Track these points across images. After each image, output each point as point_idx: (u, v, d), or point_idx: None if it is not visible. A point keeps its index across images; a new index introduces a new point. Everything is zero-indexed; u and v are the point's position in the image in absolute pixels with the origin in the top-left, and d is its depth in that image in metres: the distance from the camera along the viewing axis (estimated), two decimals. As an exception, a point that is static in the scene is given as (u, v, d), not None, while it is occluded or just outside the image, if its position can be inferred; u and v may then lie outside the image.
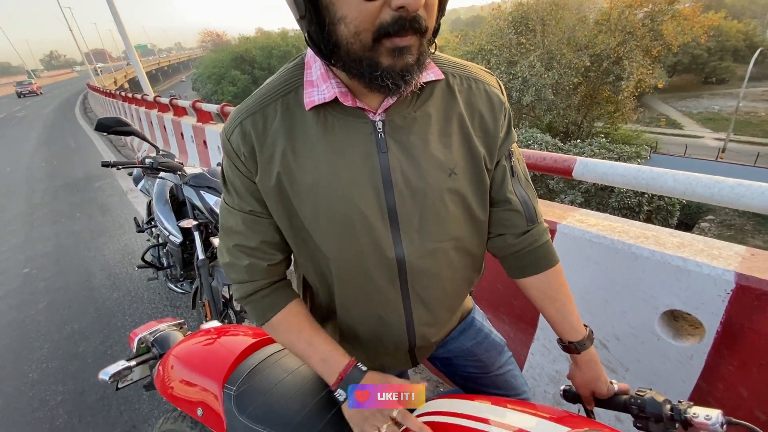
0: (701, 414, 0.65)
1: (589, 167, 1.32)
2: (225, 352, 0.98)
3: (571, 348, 0.80)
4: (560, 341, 0.83)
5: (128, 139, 9.21)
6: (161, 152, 2.34)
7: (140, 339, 1.20)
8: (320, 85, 0.63)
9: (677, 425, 0.70)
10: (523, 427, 0.65)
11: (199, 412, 0.90)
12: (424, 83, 0.66)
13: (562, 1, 17.23)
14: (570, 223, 1.42)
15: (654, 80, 17.09)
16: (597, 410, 0.84)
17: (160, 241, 2.61)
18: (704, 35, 17.72)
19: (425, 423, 0.72)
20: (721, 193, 1.06)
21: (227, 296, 2.11)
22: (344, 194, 0.65)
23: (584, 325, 0.81)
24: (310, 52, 0.65)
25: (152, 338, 1.21)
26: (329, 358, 0.73)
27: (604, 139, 13.97)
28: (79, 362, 2.45)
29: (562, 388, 0.89)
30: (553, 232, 1.44)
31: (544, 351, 1.60)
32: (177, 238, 2.17)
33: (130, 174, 2.94)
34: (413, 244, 0.69)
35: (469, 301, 0.98)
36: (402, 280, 0.72)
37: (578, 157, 1.35)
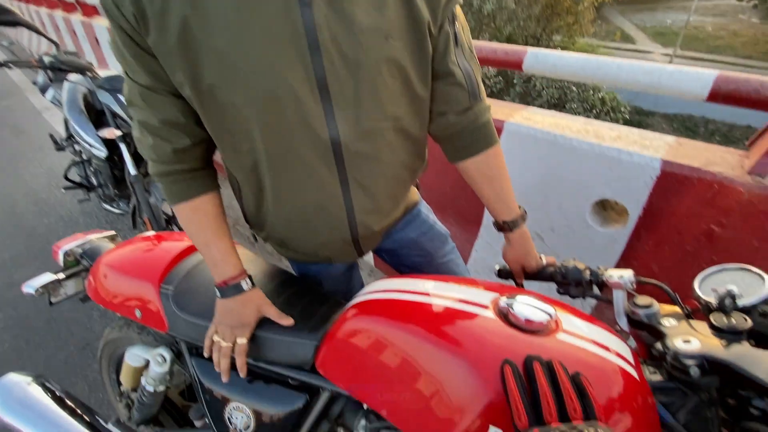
0: (615, 275, 0.71)
1: (540, 59, 1.28)
2: (159, 255, 0.93)
3: (504, 227, 0.83)
4: (495, 223, 0.85)
5: (25, 42, 7.78)
6: (65, 50, 1.98)
7: (66, 252, 1.11)
8: None
9: (594, 287, 0.77)
10: (459, 296, 0.68)
11: (138, 313, 0.88)
12: None
13: None
14: (517, 120, 1.41)
15: (614, -11, 16.53)
16: (526, 283, 0.91)
17: (84, 157, 2.34)
18: (668, -62, 16.92)
19: (369, 300, 0.75)
20: (661, 80, 1.07)
21: (169, 213, 1.99)
22: (263, 60, 0.56)
23: (518, 206, 0.83)
24: None
25: (81, 251, 1.12)
26: (219, 265, 0.74)
27: (560, 53, 13.80)
28: (17, 289, 2.31)
29: (496, 267, 0.95)
30: (500, 130, 1.43)
31: (487, 247, 1.70)
32: (101, 151, 1.95)
33: (35, 83, 2.51)
34: (348, 123, 0.63)
35: (415, 194, 0.97)
36: (339, 164, 0.67)
37: (529, 48, 1.30)
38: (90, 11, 5.16)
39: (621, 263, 1.32)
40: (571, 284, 0.77)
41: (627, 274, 0.70)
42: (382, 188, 0.74)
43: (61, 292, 1.13)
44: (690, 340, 0.56)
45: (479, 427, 0.54)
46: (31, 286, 1.02)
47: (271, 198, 0.72)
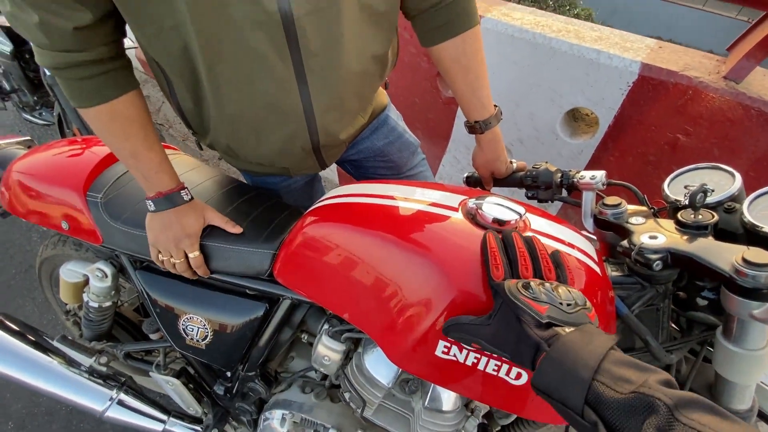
0: (587, 175, 0.68)
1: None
2: (82, 160, 0.80)
3: (476, 127, 0.76)
4: (467, 123, 0.78)
5: None
6: None
7: (-31, 159, 0.94)
8: None
9: (563, 190, 0.75)
10: (425, 199, 0.63)
11: (65, 225, 0.77)
12: None
13: None
14: (494, 16, 1.27)
15: None
16: (495, 189, 0.88)
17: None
18: None
19: (329, 205, 0.68)
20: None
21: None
22: None
23: (494, 105, 0.76)
24: None
25: (-12, 158, 0.95)
26: (151, 178, 0.64)
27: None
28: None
29: (465, 175, 0.90)
30: (475, 28, 1.29)
31: (454, 162, 1.65)
32: (5, 45, 1.62)
33: None
34: None
35: (383, 96, 0.86)
36: (292, 48, 0.54)
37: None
38: None
39: (585, 175, 1.33)
40: (541, 187, 0.75)
41: (599, 175, 0.67)
42: (346, 82, 0.63)
43: (-25, 207, 0.99)
44: (657, 236, 0.55)
45: (434, 334, 0.53)
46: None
47: (210, 93, 0.59)
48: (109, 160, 0.80)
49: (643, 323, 0.57)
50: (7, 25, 1.52)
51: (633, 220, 0.61)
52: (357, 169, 0.93)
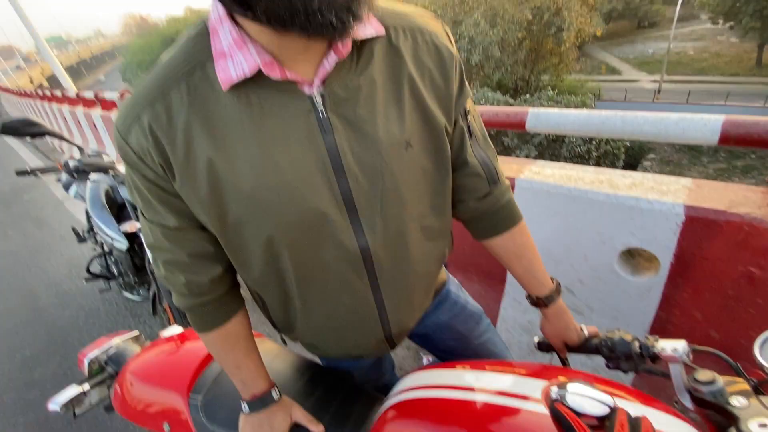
0: (668, 347, 0.67)
1: (541, 118, 1.31)
2: (185, 360, 0.91)
3: (539, 302, 0.80)
4: (529, 297, 0.83)
5: (56, 141, 8.37)
6: (89, 152, 2.11)
7: (91, 360, 1.09)
8: (235, 55, 0.49)
9: (646, 359, 0.72)
10: (504, 388, 0.64)
11: (166, 427, 0.84)
12: (363, 41, 0.55)
13: (499, -45, 17.04)
14: (527, 176, 1.42)
15: (592, 29, 17.57)
16: (571, 356, 0.86)
17: (105, 249, 2.40)
18: (634, -20, 18.28)
19: (405, 401, 0.70)
20: (667, 130, 1.08)
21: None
22: (292, 194, 0.56)
23: (551, 278, 0.81)
24: (214, 13, 0.51)
25: (105, 357, 1.11)
26: (248, 383, 0.72)
27: (551, 92, 14.36)
28: (37, 390, 2.27)
29: (536, 340, 0.90)
30: (512, 187, 1.44)
31: (515, 304, 1.64)
32: (122, 243, 2.00)
33: (59, 180, 2.66)
34: (376, 231, 0.62)
35: (443, 274, 0.95)
36: (369, 271, 0.65)
37: (529, 109, 1.34)
38: (109, 105, 5.59)
39: (662, 312, 1.26)
40: (621, 358, 0.73)
41: (681, 346, 0.65)
42: (413, 284, 0.72)
43: (86, 402, 1.10)
44: (766, 423, 0.50)
45: None
46: (57, 402, 0.99)
47: (299, 307, 0.70)
48: (208, 359, 0.90)
49: None
50: (127, 230, 1.90)
51: (734, 401, 0.57)
52: (425, 341, 0.96)
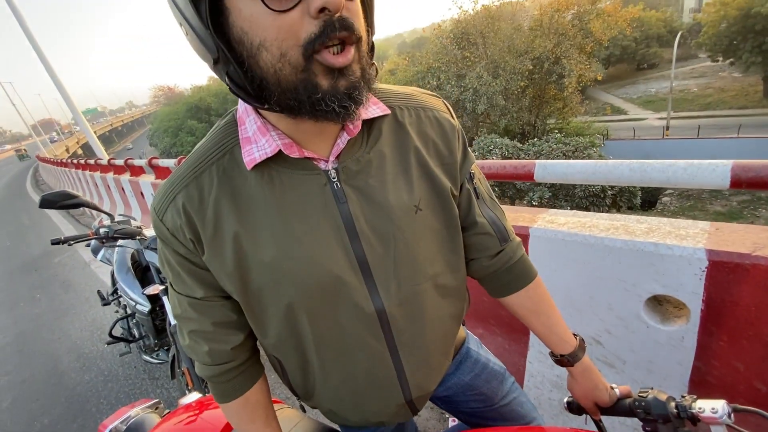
0: (707, 407, 0.63)
1: (549, 169, 1.35)
2: (207, 430, 0.89)
3: (563, 361, 0.78)
4: (552, 354, 0.80)
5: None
6: (118, 218, 2.22)
7: (111, 431, 1.08)
8: (258, 140, 0.56)
9: (686, 422, 0.68)
10: (534, 457, 0.61)
11: (186, 504, 0.81)
12: (372, 120, 0.62)
13: (496, 13, 18.27)
14: (541, 225, 1.42)
15: (593, 73, 18.19)
16: (606, 418, 0.81)
17: (128, 312, 2.45)
18: (628, 27, 19.19)
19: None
20: (676, 176, 1.09)
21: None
22: (311, 261, 0.59)
23: (574, 335, 0.79)
24: (241, 106, 0.59)
25: (125, 427, 1.09)
26: None
27: (558, 134, 14.59)
28: (53, 462, 2.22)
29: (565, 400, 0.86)
30: (526, 237, 1.44)
31: (541, 357, 1.57)
32: (144, 306, 2.04)
33: (88, 245, 2.78)
34: (390, 292, 0.64)
35: (461, 332, 0.94)
36: (386, 331, 0.66)
37: (536, 162, 1.38)
38: (137, 171, 5.94)
39: (699, 363, 1.19)
40: (658, 420, 0.68)
41: (720, 406, 0.62)
42: (431, 344, 0.72)
43: (106, 477, 1.07)
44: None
45: None
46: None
47: (318, 371, 0.70)
48: (229, 428, 0.89)
49: None
50: (150, 293, 1.94)
51: (791, 470, 0.53)
52: (448, 404, 0.93)
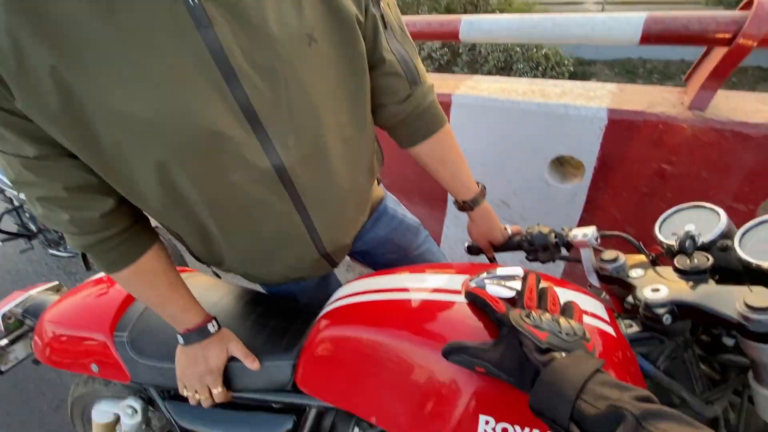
0: (579, 233, 0.71)
1: (474, 25, 1.25)
2: (106, 301, 0.85)
3: (465, 206, 0.81)
4: (456, 202, 0.83)
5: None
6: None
7: (5, 314, 1.00)
8: None
9: (561, 249, 0.77)
10: (431, 285, 0.66)
11: (95, 368, 0.81)
12: None
13: None
14: (463, 91, 1.38)
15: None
16: (498, 255, 0.90)
17: (16, 203, 2.15)
18: None
19: (337, 308, 0.71)
20: (594, 30, 1.06)
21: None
22: (171, 105, 0.47)
23: (476, 183, 0.81)
24: None
25: (21, 309, 1.02)
26: (179, 317, 0.68)
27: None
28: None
29: (466, 245, 0.93)
30: (448, 104, 1.41)
31: (457, 222, 1.70)
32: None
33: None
34: (288, 146, 0.55)
35: (379, 190, 0.93)
36: (289, 190, 0.60)
37: (462, 16, 1.26)
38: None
39: (585, 215, 1.35)
40: (539, 250, 0.77)
41: (590, 231, 0.69)
42: (343, 201, 0.68)
43: (11, 358, 1.03)
44: (658, 288, 0.56)
45: (470, 418, 0.53)
46: (-26, 361, 0.92)
47: (220, 237, 0.64)
48: (131, 297, 0.85)
49: (674, 378, 0.56)
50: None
51: (633, 273, 0.62)
52: (366, 258, 0.97)
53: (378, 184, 0.93)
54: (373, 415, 0.62)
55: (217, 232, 0.63)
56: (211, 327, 0.70)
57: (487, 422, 0.52)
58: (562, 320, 0.48)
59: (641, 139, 1.13)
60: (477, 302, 0.55)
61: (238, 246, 0.67)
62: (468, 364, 0.50)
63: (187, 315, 0.68)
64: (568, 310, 0.52)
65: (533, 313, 0.48)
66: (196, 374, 0.67)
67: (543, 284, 0.56)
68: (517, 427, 0.50)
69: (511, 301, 0.55)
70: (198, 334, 0.68)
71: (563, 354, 0.43)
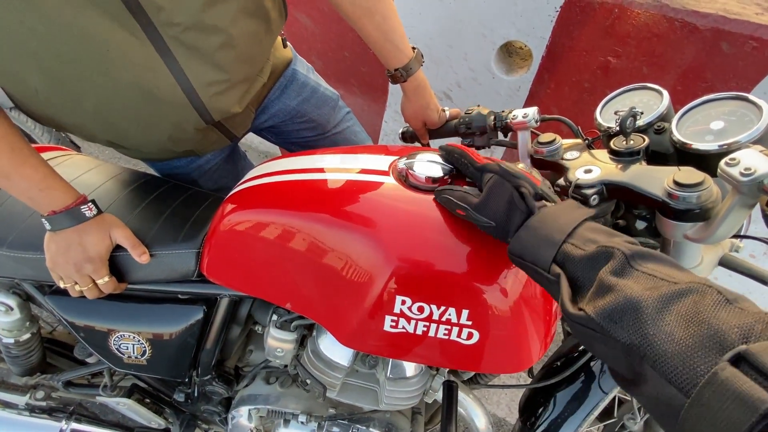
0: (519, 114, 0.65)
1: None
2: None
3: (397, 76, 0.70)
4: (388, 73, 0.71)
5: None
6: None
7: None
8: None
9: (499, 133, 0.72)
10: (355, 166, 0.57)
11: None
12: None
13: None
14: (411, -50, 1.15)
15: None
16: (433, 142, 0.83)
17: None
18: None
19: (251, 188, 0.61)
20: None
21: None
22: None
23: (412, 47, 0.69)
24: None
25: None
26: (37, 197, 0.54)
27: None
28: None
29: (399, 131, 0.84)
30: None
31: (396, 116, 1.58)
32: None
33: None
34: None
35: (285, 52, 0.77)
36: (142, 22, 0.46)
37: None
38: None
39: (525, 111, 1.31)
40: (476, 133, 0.70)
41: (531, 112, 0.64)
42: (222, 48, 0.54)
43: None
44: (591, 169, 0.53)
45: (387, 300, 0.50)
46: None
47: (58, 96, 0.50)
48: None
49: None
50: None
51: (568, 155, 0.59)
52: (278, 136, 0.84)
53: (284, 45, 0.77)
54: (287, 300, 0.58)
55: (52, 88, 0.51)
56: (86, 210, 0.57)
57: (403, 302, 0.49)
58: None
59: (594, 25, 1.05)
60: (454, 154, 0.51)
61: (86, 105, 0.54)
62: (451, 206, 0.48)
63: (48, 194, 0.55)
64: None
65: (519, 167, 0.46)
66: (71, 262, 0.56)
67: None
68: (434, 306, 0.48)
69: (444, 182, 0.50)
70: (68, 217, 0.56)
71: (551, 204, 0.43)
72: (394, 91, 1.54)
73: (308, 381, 0.66)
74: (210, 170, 0.77)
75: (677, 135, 0.51)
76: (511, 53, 1.30)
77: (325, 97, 0.80)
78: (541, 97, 1.25)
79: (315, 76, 0.81)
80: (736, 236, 0.54)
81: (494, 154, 1.38)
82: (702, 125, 0.52)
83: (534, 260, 0.38)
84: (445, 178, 0.52)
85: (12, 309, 0.70)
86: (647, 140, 0.53)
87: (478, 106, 0.71)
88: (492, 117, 0.68)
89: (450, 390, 0.65)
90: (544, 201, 0.43)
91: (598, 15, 1.03)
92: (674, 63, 1.03)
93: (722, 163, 0.39)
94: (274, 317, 0.67)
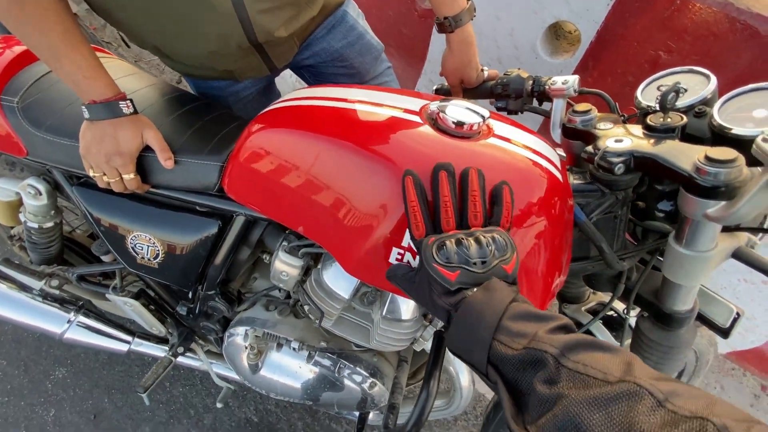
0: (559, 80, 0.64)
1: None
2: (-8, 58, 0.69)
3: (445, 25, 0.69)
4: (437, 21, 0.70)
5: None
6: None
7: None
8: None
9: (534, 100, 0.71)
10: (384, 101, 0.58)
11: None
12: None
13: None
14: None
15: None
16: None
17: None
18: None
19: (281, 109, 0.62)
20: None
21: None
22: None
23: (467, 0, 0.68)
24: None
25: None
26: (82, 84, 0.56)
27: None
28: None
29: (434, 87, 0.84)
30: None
31: (430, 85, 1.56)
32: None
33: None
34: None
35: None
36: None
37: None
38: None
39: (562, 98, 1.28)
40: (511, 96, 0.70)
41: (572, 80, 0.63)
42: None
43: None
44: (622, 140, 0.52)
45: (397, 232, 0.51)
46: None
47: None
48: (26, 58, 0.69)
49: (599, 231, 0.57)
50: None
51: (601, 125, 0.58)
52: (315, 77, 0.84)
53: None
54: (300, 224, 0.59)
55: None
56: (124, 106, 0.59)
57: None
58: (482, 239, 0.42)
59: (652, 14, 1.01)
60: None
61: (153, 12, 0.55)
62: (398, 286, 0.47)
63: (92, 83, 0.57)
64: (497, 195, 0.46)
65: (447, 243, 0.42)
66: (103, 153, 0.59)
67: (467, 168, 0.47)
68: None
69: (434, 215, 0.46)
70: (106, 110, 0.58)
71: (475, 289, 0.40)
72: (432, 58, 1.51)
73: (307, 307, 0.68)
74: (244, 98, 0.78)
75: (718, 119, 0.50)
76: (558, 36, 1.27)
77: (369, 46, 0.80)
78: (581, 84, 1.21)
79: (364, 23, 0.80)
80: (751, 229, 0.53)
81: (526, 122, 1.36)
82: (745, 112, 0.50)
83: (471, 362, 0.38)
84: (473, 125, 0.52)
85: (41, 194, 0.73)
86: (685, 119, 0.52)
87: (519, 69, 0.70)
88: (530, 81, 0.67)
89: (440, 340, 0.66)
90: (463, 292, 0.40)
91: (658, 4, 0.99)
92: (728, 67, 0.99)
93: (759, 138, 0.38)
94: (284, 243, 0.69)
